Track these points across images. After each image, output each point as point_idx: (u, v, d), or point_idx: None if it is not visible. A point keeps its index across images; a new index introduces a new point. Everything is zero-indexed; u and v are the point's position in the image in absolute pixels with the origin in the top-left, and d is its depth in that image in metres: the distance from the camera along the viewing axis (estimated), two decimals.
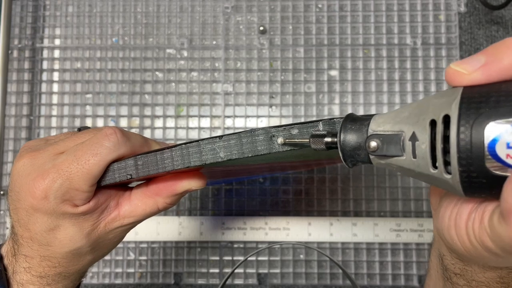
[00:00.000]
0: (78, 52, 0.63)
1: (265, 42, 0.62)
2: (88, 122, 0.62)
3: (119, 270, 0.60)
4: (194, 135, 0.61)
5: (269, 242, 0.58)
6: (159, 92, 0.62)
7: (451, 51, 0.61)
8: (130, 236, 0.59)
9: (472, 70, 0.21)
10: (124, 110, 0.62)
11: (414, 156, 0.22)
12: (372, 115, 0.24)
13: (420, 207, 0.59)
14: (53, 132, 0.62)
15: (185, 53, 0.62)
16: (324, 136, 0.25)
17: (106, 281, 0.59)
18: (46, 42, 0.63)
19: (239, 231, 0.59)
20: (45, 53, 0.63)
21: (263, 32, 0.62)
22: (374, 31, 0.62)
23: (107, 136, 0.30)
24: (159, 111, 0.61)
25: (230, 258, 0.59)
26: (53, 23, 0.63)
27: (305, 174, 0.60)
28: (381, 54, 0.61)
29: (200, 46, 0.62)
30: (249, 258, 0.59)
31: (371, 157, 0.23)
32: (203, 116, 0.61)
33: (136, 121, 0.62)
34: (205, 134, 0.61)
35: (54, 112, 0.62)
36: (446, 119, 0.20)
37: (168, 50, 0.62)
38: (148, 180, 0.33)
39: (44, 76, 0.63)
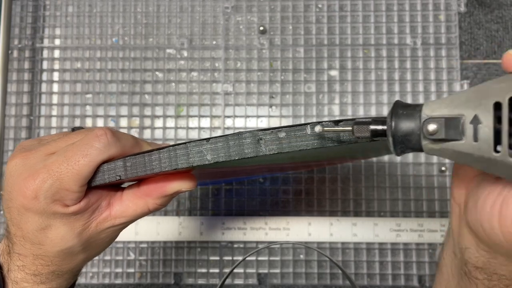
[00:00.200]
0: (78, 52, 0.63)
1: (265, 42, 0.62)
2: (88, 122, 0.62)
3: (119, 270, 0.60)
4: (194, 135, 0.61)
5: (269, 242, 0.58)
6: (159, 92, 0.62)
7: (451, 51, 0.61)
8: (130, 236, 0.59)
9: None
10: (124, 110, 0.62)
11: (476, 140, 0.22)
12: (419, 104, 0.24)
13: (420, 207, 0.59)
14: (53, 132, 0.62)
15: (185, 53, 0.62)
16: (369, 123, 0.24)
17: (106, 281, 0.59)
18: (46, 42, 0.63)
19: (239, 231, 0.59)
20: (45, 53, 0.63)
21: (263, 32, 0.62)
22: (374, 31, 0.62)
23: (97, 137, 0.30)
24: (159, 111, 0.61)
25: (230, 258, 0.59)
26: (53, 23, 0.63)
27: (305, 174, 0.60)
28: (381, 54, 0.61)
29: (200, 46, 0.62)
30: (249, 258, 0.59)
31: (424, 142, 0.23)
32: (203, 116, 0.61)
33: (136, 121, 0.62)
34: (205, 134, 0.61)
35: (54, 112, 0.62)
36: (511, 102, 0.21)
37: (168, 50, 0.62)
38: (140, 181, 0.33)
39: (44, 76, 0.63)
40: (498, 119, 0.21)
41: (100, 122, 0.62)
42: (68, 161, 0.29)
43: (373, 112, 0.61)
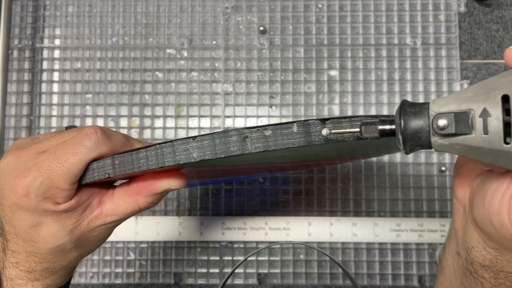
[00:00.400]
0: (78, 52, 0.63)
1: (265, 42, 0.62)
2: (88, 122, 0.62)
3: (119, 270, 0.60)
4: (194, 135, 0.61)
5: (269, 242, 0.59)
6: (159, 92, 0.62)
7: (451, 51, 0.61)
8: (130, 236, 0.59)
9: None
10: (124, 110, 0.62)
11: (486, 132, 0.22)
12: (425, 102, 0.25)
13: (420, 207, 0.59)
14: None
15: (185, 53, 0.62)
16: (376, 123, 0.25)
17: (106, 281, 0.59)
18: (46, 42, 0.63)
19: (239, 231, 0.59)
20: (45, 53, 0.63)
21: (263, 32, 0.62)
22: (374, 31, 0.62)
23: (87, 136, 0.30)
24: (159, 111, 0.61)
25: (230, 258, 0.59)
26: (53, 23, 0.63)
27: (305, 174, 0.60)
28: (381, 54, 0.61)
29: (200, 46, 0.62)
30: (249, 258, 0.59)
31: (433, 139, 0.24)
32: (203, 116, 0.61)
33: (136, 121, 0.62)
34: None
35: (54, 112, 0.62)
36: None
37: (168, 50, 0.62)
38: (131, 179, 0.33)
39: (44, 76, 0.63)
40: (506, 112, 0.22)
41: (100, 122, 0.62)
42: (58, 159, 0.29)
43: (373, 112, 0.61)
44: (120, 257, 0.60)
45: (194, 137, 0.27)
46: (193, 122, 0.61)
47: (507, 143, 0.22)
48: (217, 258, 0.59)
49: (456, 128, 0.23)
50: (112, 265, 0.60)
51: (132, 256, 0.60)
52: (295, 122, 0.26)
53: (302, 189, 0.60)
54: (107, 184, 0.34)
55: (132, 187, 0.33)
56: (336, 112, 0.61)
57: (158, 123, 0.61)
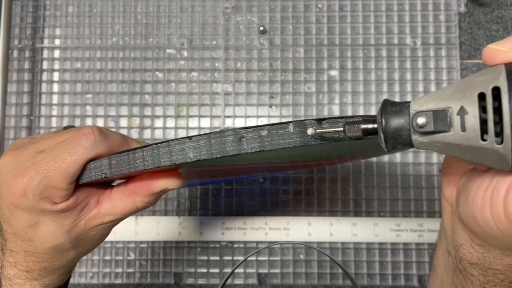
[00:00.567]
0: (78, 52, 0.63)
1: (265, 42, 0.62)
2: (88, 122, 0.62)
3: (119, 270, 0.60)
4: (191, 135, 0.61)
5: (269, 242, 0.59)
6: (159, 92, 0.62)
7: (451, 51, 0.61)
8: (130, 236, 0.59)
9: None
10: (124, 110, 0.62)
11: (463, 130, 0.22)
12: (407, 101, 0.25)
13: (420, 207, 0.59)
14: None
15: (185, 53, 0.62)
16: (359, 122, 0.25)
17: (106, 281, 0.59)
18: (46, 42, 0.63)
19: (239, 231, 0.59)
20: (45, 53, 0.63)
21: (263, 32, 0.62)
22: (374, 31, 0.62)
23: (85, 136, 0.30)
24: (159, 111, 0.61)
25: (230, 258, 0.59)
26: (53, 23, 0.63)
27: (305, 174, 0.60)
28: (381, 54, 0.61)
29: (200, 46, 0.62)
30: (249, 258, 0.59)
31: (414, 137, 0.24)
32: (203, 116, 0.61)
33: (136, 121, 0.62)
34: None
35: (54, 112, 0.62)
36: (494, 92, 0.22)
37: (168, 50, 0.62)
38: (128, 179, 0.33)
39: (44, 76, 0.63)
40: (483, 109, 0.22)
41: (100, 122, 0.62)
42: (55, 159, 0.30)
43: (373, 113, 0.61)
44: (120, 257, 0.60)
45: (190, 137, 0.27)
46: (193, 122, 0.61)
47: (484, 140, 0.22)
48: (217, 258, 0.60)
49: (435, 126, 0.23)
50: (112, 265, 0.60)
51: (132, 256, 0.60)
52: (291, 122, 0.26)
53: (302, 189, 0.60)
54: (105, 184, 0.35)
55: (130, 187, 0.33)
56: (336, 112, 0.61)
57: (158, 123, 0.61)
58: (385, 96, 0.61)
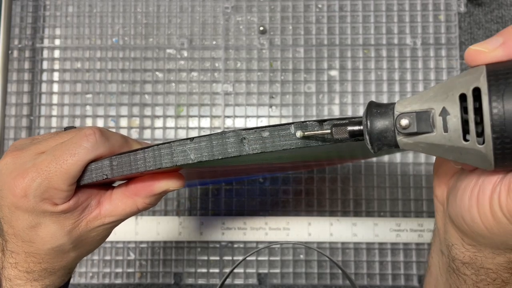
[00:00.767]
0: (78, 52, 0.63)
1: (265, 42, 0.62)
2: (88, 122, 0.62)
3: (119, 270, 0.60)
4: (194, 135, 0.61)
5: (269, 242, 0.59)
6: (159, 92, 0.62)
7: (451, 51, 0.61)
8: (130, 236, 0.59)
9: (493, 49, 0.23)
10: (124, 110, 0.62)
11: (446, 130, 0.23)
12: (392, 102, 0.25)
13: (420, 207, 0.59)
14: None
15: (185, 53, 0.62)
16: (346, 124, 0.25)
17: (106, 281, 0.59)
18: (46, 42, 0.63)
19: (239, 231, 0.59)
20: (45, 53, 0.63)
21: (263, 32, 0.62)
22: (374, 31, 0.62)
23: (86, 137, 0.30)
24: (159, 111, 0.61)
25: (230, 258, 0.59)
26: (53, 23, 0.63)
27: (305, 174, 0.60)
28: (381, 54, 0.61)
29: (200, 46, 0.62)
30: (249, 258, 0.59)
31: (398, 138, 0.24)
32: (203, 116, 0.61)
33: (136, 121, 0.62)
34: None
35: (54, 112, 0.62)
36: (475, 93, 0.22)
37: (168, 50, 0.62)
38: (129, 180, 0.33)
39: (44, 76, 0.63)
40: (464, 110, 0.22)
41: (100, 122, 0.62)
42: (56, 160, 0.29)
43: None
44: (120, 257, 0.60)
45: (191, 139, 0.27)
46: (193, 122, 0.61)
47: (467, 140, 0.22)
48: (217, 258, 0.60)
49: (418, 127, 0.23)
50: (112, 265, 0.60)
51: (132, 256, 0.60)
52: (292, 123, 0.26)
53: (302, 189, 0.60)
54: (106, 185, 0.34)
55: (130, 188, 0.33)
56: (336, 112, 0.61)
57: (158, 123, 0.61)
58: (385, 96, 0.61)
